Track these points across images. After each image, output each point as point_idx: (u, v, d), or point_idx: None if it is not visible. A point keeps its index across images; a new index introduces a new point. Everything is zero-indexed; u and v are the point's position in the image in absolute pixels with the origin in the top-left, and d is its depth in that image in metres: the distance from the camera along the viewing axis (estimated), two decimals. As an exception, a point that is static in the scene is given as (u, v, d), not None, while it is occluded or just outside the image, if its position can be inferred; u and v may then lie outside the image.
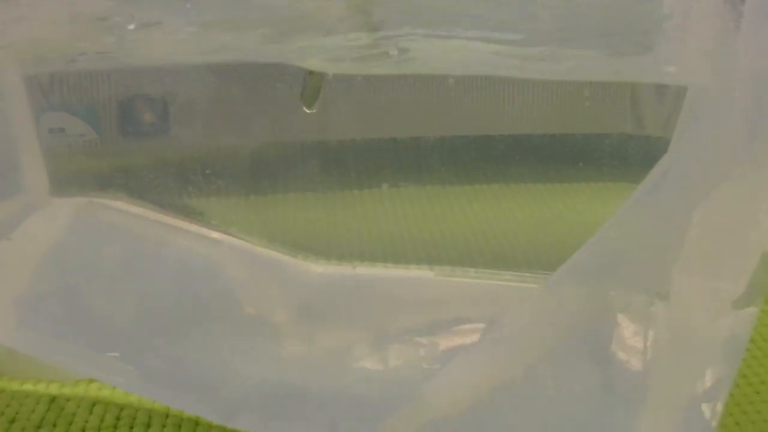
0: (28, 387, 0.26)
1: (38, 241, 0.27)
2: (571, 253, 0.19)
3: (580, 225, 0.30)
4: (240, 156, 0.31)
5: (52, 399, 0.26)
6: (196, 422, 0.25)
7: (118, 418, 0.25)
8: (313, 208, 0.30)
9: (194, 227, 0.29)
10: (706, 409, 0.24)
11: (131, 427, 0.24)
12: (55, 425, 0.24)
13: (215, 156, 0.30)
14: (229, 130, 0.31)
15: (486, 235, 0.30)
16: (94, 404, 0.25)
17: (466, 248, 0.30)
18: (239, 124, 0.30)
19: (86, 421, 0.25)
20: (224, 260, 0.29)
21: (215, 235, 0.29)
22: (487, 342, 0.21)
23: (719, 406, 0.23)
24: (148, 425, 0.24)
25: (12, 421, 0.25)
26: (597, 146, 0.28)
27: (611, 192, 0.29)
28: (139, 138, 0.30)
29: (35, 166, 0.28)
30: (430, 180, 0.30)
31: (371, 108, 0.30)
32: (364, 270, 0.30)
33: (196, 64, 0.30)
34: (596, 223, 0.19)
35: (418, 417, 0.22)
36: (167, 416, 0.25)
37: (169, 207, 0.29)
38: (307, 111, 0.26)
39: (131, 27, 0.23)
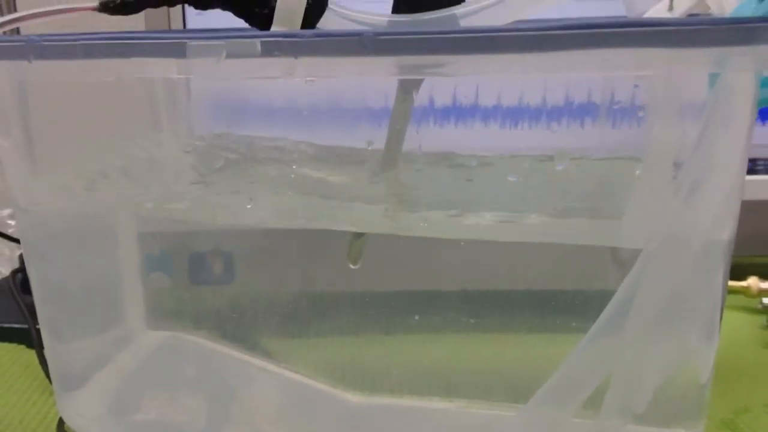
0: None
1: (132, 362, 0.34)
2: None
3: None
4: (292, 303, 0.38)
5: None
6: None
7: None
8: (348, 348, 0.37)
9: (250, 358, 0.36)
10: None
11: None
12: None
13: (271, 302, 0.38)
14: (282, 281, 0.39)
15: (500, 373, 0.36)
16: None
17: (482, 384, 0.36)
18: (290, 277, 0.39)
19: None
20: (274, 385, 0.35)
21: (270, 366, 0.36)
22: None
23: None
24: None
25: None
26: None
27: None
28: (207, 285, 0.38)
29: (137, 305, 0.36)
30: (451, 328, 0.37)
31: (400, 266, 0.37)
32: (394, 401, 0.36)
33: (258, 227, 0.39)
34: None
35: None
36: None
37: (235, 342, 0.37)
38: (353, 267, 0.34)
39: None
